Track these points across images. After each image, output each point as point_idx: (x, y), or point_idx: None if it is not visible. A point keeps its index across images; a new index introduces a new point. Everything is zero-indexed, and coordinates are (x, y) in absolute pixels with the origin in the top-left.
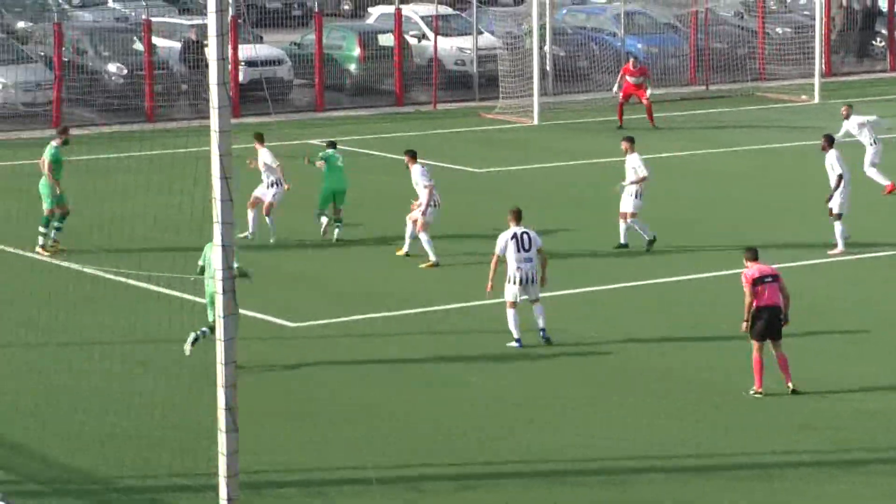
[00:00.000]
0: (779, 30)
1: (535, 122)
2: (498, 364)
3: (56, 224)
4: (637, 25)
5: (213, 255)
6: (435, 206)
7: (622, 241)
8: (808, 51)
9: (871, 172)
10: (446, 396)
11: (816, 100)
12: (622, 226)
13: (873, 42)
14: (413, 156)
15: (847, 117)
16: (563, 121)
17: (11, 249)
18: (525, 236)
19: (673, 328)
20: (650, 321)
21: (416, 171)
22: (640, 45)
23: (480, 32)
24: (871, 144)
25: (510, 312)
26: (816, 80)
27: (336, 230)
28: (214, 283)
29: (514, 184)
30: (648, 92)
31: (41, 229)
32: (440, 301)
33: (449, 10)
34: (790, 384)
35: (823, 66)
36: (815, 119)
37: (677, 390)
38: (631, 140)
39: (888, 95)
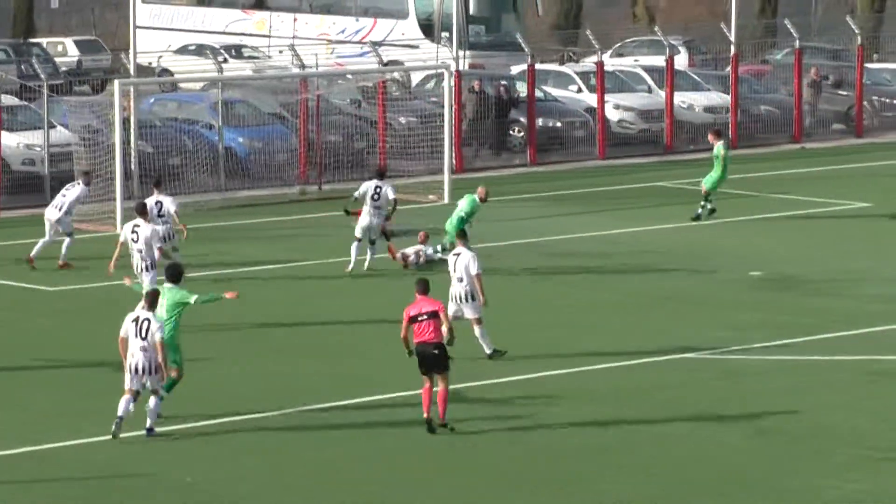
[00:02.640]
0: (402, 119)
1: (119, 229)
2: None
3: None
4: (237, 116)
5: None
6: None
7: None
8: (436, 143)
9: None
10: None
11: (447, 200)
12: None
13: (510, 133)
14: None
15: None
16: None
17: None
18: None
19: None
20: None
21: None
22: (241, 140)
23: (53, 126)
24: None
25: None
26: (446, 177)
27: None
28: None
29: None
30: None
31: None
32: None
33: (14, 100)
34: (442, 420)
35: (454, 161)
36: (442, 221)
37: None
38: None
39: (527, 193)
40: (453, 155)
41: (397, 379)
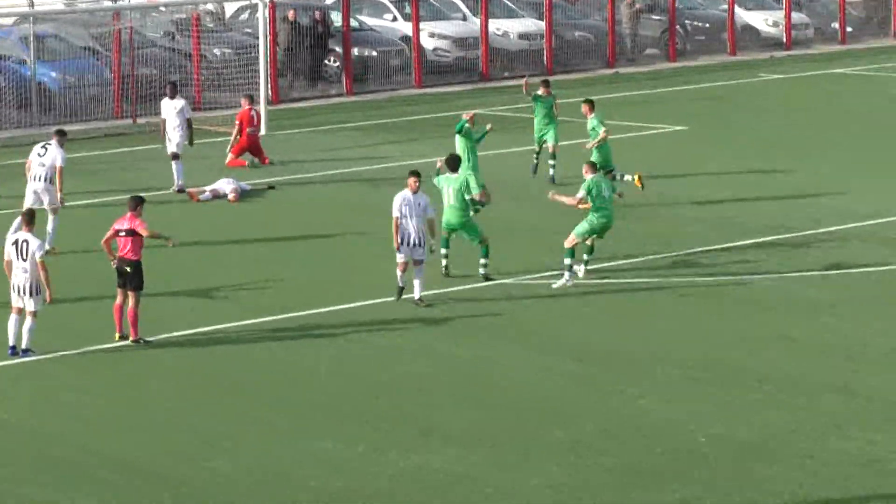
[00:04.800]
0: (217, 51)
1: None
2: None
3: None
4: (50, 50)
5: None
6: None
7: None
8: (251, 75)
9: None
10: None
11: (263, 131)
12: None
13: (326, 62)
14: None
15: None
16: None
17: None
18: None
19: None
20: None
21: None
22: (54, 74)
23: None
24: None
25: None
26: (262, 109)
27: None
28: None
29: None
30: None
31: None
32: None
33: None
34: (134, 337)
35: (270, 93)
36: (270, 153)
37: None
38: None
39: (346, 123)
40: (269, 86)
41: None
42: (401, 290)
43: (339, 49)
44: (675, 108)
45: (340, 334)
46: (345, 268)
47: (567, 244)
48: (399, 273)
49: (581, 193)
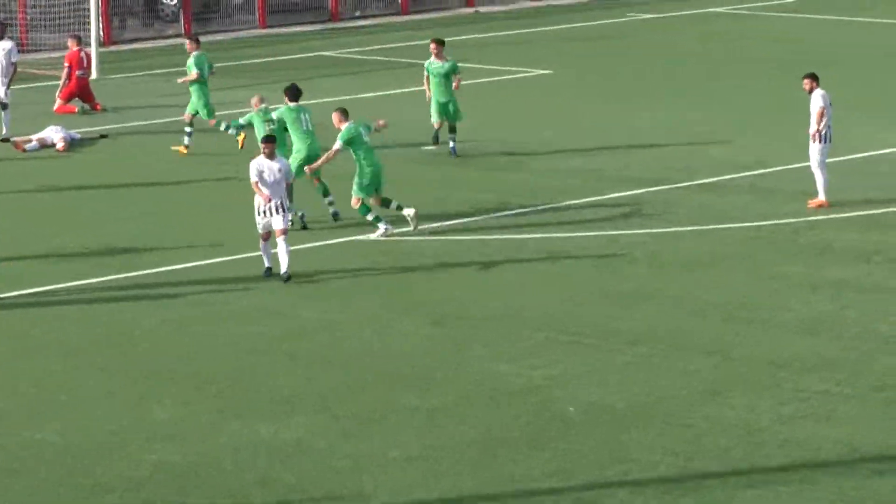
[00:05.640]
0: None
1: None
2: None
3: None
4: None
5: None
6: None
7: None
8: (80, 14)
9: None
10: None
11: (94, 75)
12: None
13: (163, 1)
14: None
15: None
16: None
17: None
18: None
19: None
20: None
21: None
22: None
23: None
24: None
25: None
26: (94, 51)
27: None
28: None
29: None
30: None
31: None
32: None
33: None
34: None
35: (102, 34)
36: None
37: None
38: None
39: (182, 66)
40: (100, 26)
41: None
42: (268, 271)
43: None
44: (539, 50)
45: (182, 295)
46: (186, 224)
47: (353, 205)
48: (262, 245)
49: (338, 145)
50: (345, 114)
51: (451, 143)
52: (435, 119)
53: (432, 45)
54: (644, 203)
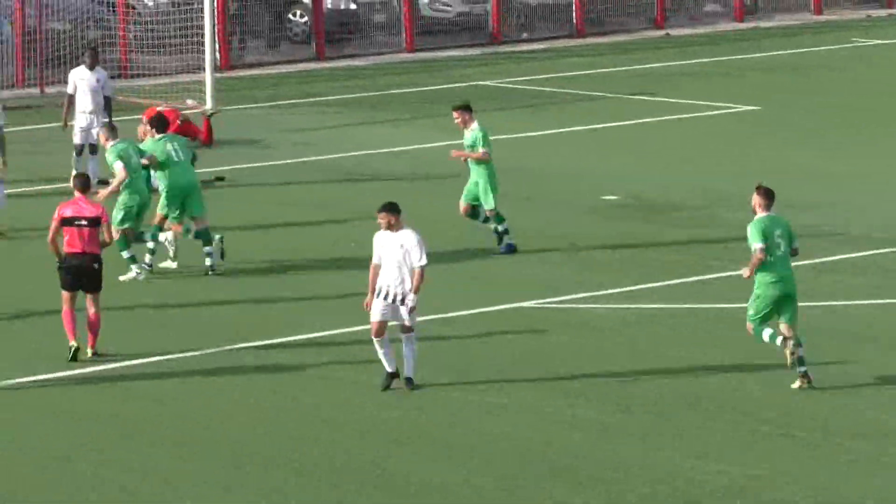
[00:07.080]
0: (150, 2)
1: None
2: None
3: None
4: None
5: None
6: None
7: None
8: (194, 33)
9: None
10: None
11: (209, 105)
12: None
13: (290, 18)
14: None
15: None
16: None
17: None
18: None
19: None
20: None
21: None
22: None
23: None
24: None
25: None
26: (208, 77)
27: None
28: None
29: None
30: None
31: None
32: None
33: None
34: (91, 348)
35: (217, 56)
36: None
37: None
38: None
39: (313, 97)
40: (216, 48)
41: None
42: (391, 377)
43: (307, 1)
44: (743, 82)
45: (303, 367)
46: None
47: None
48: (376, 342)
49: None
50: (112, 130)
51: (496, 234)
52: (462, 201)
53: (454, 113)
54: (873, 267)
